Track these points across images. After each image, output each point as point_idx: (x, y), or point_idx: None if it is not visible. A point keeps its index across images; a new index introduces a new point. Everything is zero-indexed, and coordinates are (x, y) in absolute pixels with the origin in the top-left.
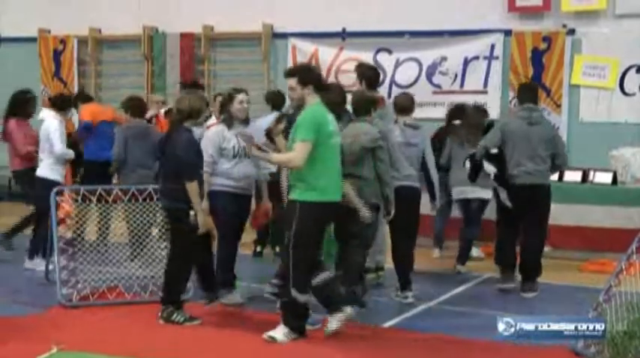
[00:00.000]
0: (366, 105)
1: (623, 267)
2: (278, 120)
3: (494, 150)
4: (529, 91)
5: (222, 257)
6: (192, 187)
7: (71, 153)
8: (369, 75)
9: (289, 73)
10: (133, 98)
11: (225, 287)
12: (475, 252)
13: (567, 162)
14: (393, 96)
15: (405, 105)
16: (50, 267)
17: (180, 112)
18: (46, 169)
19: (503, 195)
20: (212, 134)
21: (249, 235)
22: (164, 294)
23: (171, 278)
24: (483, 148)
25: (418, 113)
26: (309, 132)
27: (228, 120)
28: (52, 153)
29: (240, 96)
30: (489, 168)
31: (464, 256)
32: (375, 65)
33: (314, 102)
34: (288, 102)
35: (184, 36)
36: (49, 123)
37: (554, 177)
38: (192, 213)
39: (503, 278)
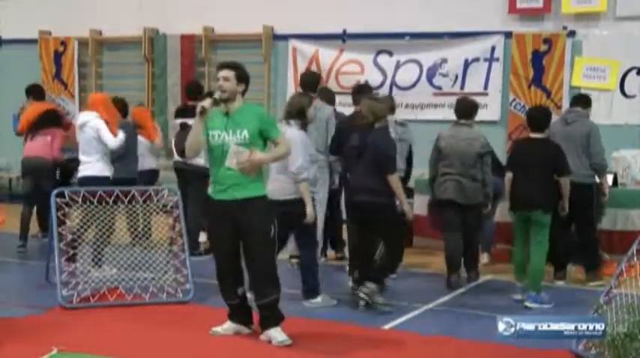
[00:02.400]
0: (470, 110)
1: (624, 268)
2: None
3: None
4: (578, 96)
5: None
6: (394, 180)
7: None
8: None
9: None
10: (116, 100)
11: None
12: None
13: (602, 162)
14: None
15: (391, 105)
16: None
17: (373, 114)
18: (100, 167)
19: None
20: (305, 139)
21: None
22: (376, 273)
23: (388, 265)
24: None
25: (418, 114)
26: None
27: (306, 126)
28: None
29: (316, 102)
30: None
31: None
32: (376, 67)
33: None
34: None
35: (185, 38)
36: (97, 122)
37: None
38: (397, 203)
39: (557, 274)
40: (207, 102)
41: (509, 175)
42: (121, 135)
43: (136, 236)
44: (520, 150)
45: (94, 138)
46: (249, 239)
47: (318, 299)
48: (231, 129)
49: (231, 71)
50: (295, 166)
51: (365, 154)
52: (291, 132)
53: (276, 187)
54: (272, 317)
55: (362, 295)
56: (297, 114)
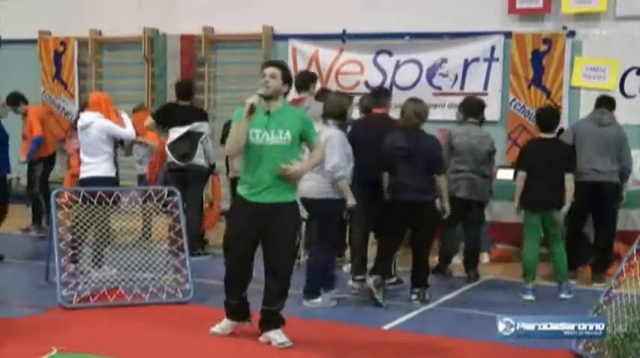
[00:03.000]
0: (478, 109)
1: (624, 268)
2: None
3: None
4: (605, 99)
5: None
6: (443, 179)
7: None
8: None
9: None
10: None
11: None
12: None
13: (630, 166)
14: (393, 99)
15: (368, 105)
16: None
17: (419, 116)
18: (106, 168)
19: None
20: (343, 138)
21: None
22: (421, 278)
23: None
24: None
25: None
26: None
27: (345, 126)
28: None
29: (308, 100)
30: None
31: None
32: (375, 67)
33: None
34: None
35: (185, 38)
36: (103, 122)
37: None
38: (437, 201)
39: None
40: (255, 99)
41: (522, 174)
42: (130, 126)
43: (138, 236)
44: (533, 150)
45: (100, 138)
46: (273, 245)
47: (319, 299)
48: (272, 128)
49: (279, 70)
50: (331, 165)
51: (415, 155)
52: (329, 132)
53: (312, 186)
54: (274, 320)
55: (371, 285)
56: (337, 114)
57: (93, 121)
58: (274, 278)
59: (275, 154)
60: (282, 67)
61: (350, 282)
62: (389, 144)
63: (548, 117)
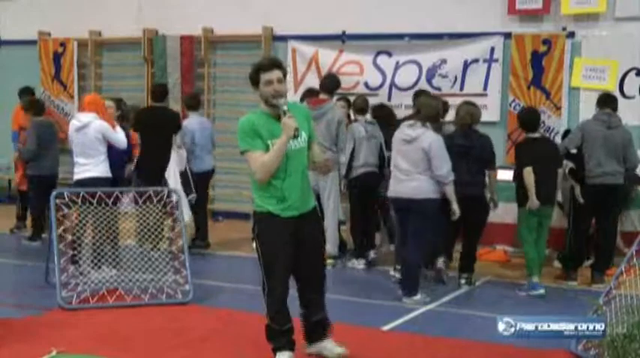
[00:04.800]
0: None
1: (623, 269)
2: None
3: (574, 151)
4: (608, 98)
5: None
6: (494, 174)
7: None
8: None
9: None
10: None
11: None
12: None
13: (636, 167)
14: (392, 99)
15: (362, 106)
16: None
17: (472, 117)
18: (103, 169)
19: (577, 190)
20: (442, 141)
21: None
22: (470, 264)
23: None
24: (565, 148)
25: None
26: None
27: (440, 129)
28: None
29: (332, 102)
30: (567, 164)
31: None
32: (375, 68)
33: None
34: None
35: (184, 39)
36: (100, 123)
37: None
38: (487, 195)
39: (570, 275)
40: (293, 122)
41: (529, 169)
42: (122, 132)
43: (138, 237)
44: (529, 148)
45: (97, 139)
46: (311, 251)
47: (418, 296)
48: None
49: (281, 71)
50: (445, 170)
51: (471, 152)
52: (431, 136)
53: (416, 186)
54: (327, 328)
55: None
56: (433, 117)
57: (91, 121)
58: (313, 288)
59: (298, 160)
60: (281, 65)
61: (391, 272)
62: (448, 143)
63: (531, 117)
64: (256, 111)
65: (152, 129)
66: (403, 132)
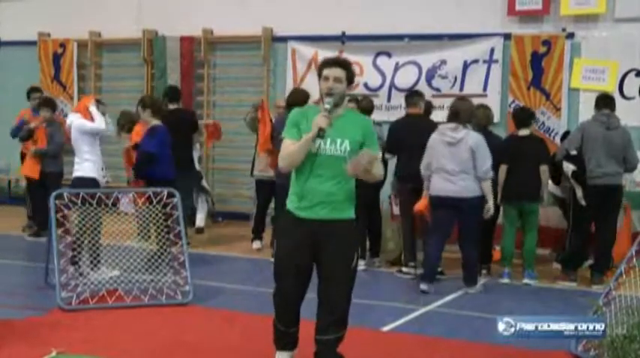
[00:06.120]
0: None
1: (623, 270)
2: None
3: (574, 152)
4: (607, 99)
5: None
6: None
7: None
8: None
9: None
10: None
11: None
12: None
13: (637, 165)
14: (392, 100)
15: (369, 107)
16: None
17: (487, 119)
18: (86, 168)
19: (580, 193)
20: (483, 140)
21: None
22: (488, 258)
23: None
24: (565, 150)
25: None
26: None
27: (484, 131)
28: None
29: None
30: (568, 166)
31: None
32: (375, 69)
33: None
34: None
35: (184, 39)
36: (76, 121)
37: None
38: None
39: (569, 276)
40: (324, 122)
41: (504, 167)
42: (99, 118)
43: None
44: (513, 145)
45: (79, 138)
46: (328, 268)
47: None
48: (329, 136)
49: (344, 70)
50: (486, 167)
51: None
52: (475, 136)
53: (464, 186)
54: (331, 356)
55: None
56: (469, 118)
57: (72, 122)
58: (325, 303)
59: (330, 166)
60: (346, 66)
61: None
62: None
63: (519, 114)
64: (318, 105)
65: (172, 130)
66: (446, 135)
